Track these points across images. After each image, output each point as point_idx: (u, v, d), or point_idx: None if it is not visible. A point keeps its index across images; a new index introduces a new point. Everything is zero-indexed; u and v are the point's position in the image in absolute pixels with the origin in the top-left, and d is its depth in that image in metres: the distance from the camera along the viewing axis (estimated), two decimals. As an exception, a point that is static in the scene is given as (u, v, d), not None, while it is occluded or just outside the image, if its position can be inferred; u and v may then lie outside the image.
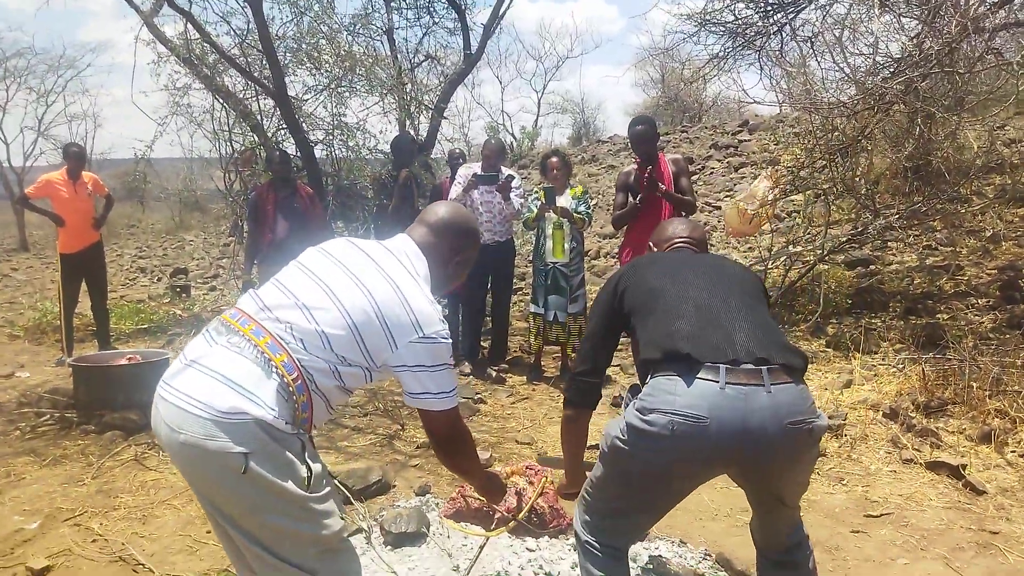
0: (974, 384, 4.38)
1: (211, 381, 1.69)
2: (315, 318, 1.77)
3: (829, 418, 4.32)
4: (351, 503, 3.28)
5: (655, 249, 2.50)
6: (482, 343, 6.24)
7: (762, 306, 2.09)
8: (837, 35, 6.55)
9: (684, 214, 4.83)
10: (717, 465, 1.98)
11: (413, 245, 1.98)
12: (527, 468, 2.98)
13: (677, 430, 1.85)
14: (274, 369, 1.71)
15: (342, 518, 1.82)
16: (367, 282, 1.82)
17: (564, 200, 5.46)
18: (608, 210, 11.62)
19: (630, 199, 5.01)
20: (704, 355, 1.91)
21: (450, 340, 1.87)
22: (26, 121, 26.49)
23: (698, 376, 1.88)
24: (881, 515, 3.33)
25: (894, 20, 6.58)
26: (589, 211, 5.51)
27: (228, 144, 8.27)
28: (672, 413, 1.86)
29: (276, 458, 1.68)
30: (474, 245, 2.12)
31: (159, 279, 12.45)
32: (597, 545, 2.11)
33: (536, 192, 5.62)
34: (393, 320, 1.79)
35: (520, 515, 2.77)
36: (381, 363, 1.82)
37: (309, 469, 1.72)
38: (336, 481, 3.23)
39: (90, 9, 61.41)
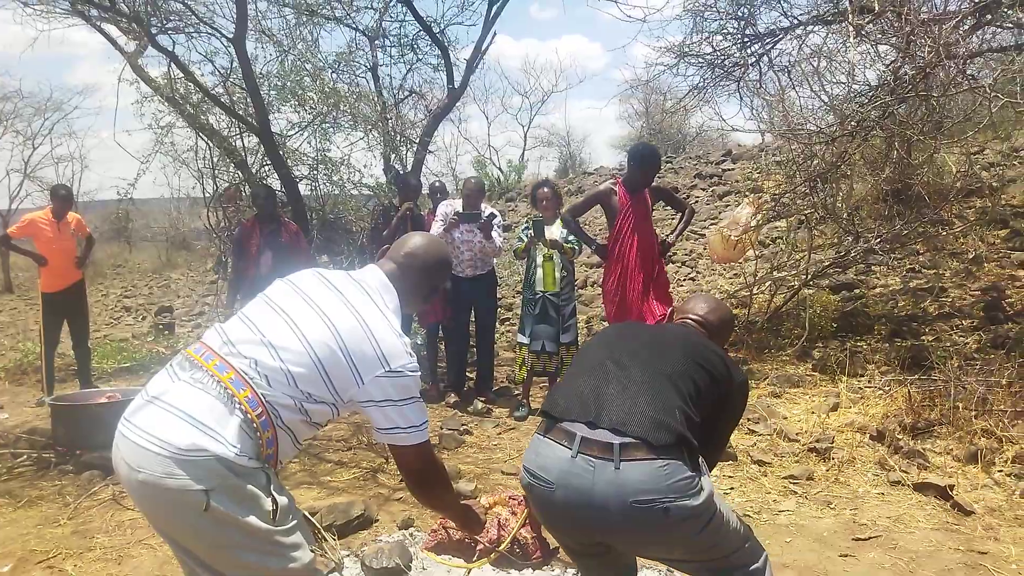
0: (960, 404, 4.37)
1: (172, 418, 1.67)
2: (280, 356, 1.74)
3: (816, 442, 4.30)
4: (325, 538, 3.22)
5: (675, 317, 2.57)
6: (468, 374, 6.21)
7: (677, 385, 2.04)
8: (814, 64, 6.66)
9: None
10: (576, 532, 2.05)
11: (382, 276, 1.96)
12: (510, 498, 2.92)
13: (533, 491, 1.98)
14: (237, 405, 1.68)
15: (312, 550, 1.78)
16: (332, 316, 1.80)
17: (554, 230, 5.45)
18: (596, 236, 11.67)
19: (593, 239, 5.49)
20: (565, 412, 1.99)
21: (418, 373, 1.85)
22: (12, 163, 26.37)
23: (553, 438, 1.97)
24: (869, 538, 3.29)
25: (870, 48, 6.70)
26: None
27: (213, 182, 8.28)
28: (530, 473, 1.97)
29: (239, 493, 1.65)
30: (445, 276, 2.13)
31: (144, 318, 12.36)
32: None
33: (526, 223, 5.62)
34: (358, 354, 1.76)
35: (502, 546, 2.71)
36: (348, 399, 1.79)
37: (275, 502, 1.68)
38: (305, 514, 3.17)
39: (77, 53, 62.14)
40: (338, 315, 1.80)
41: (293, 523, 1.75)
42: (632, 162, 5.15)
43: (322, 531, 3.23)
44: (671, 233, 5.47)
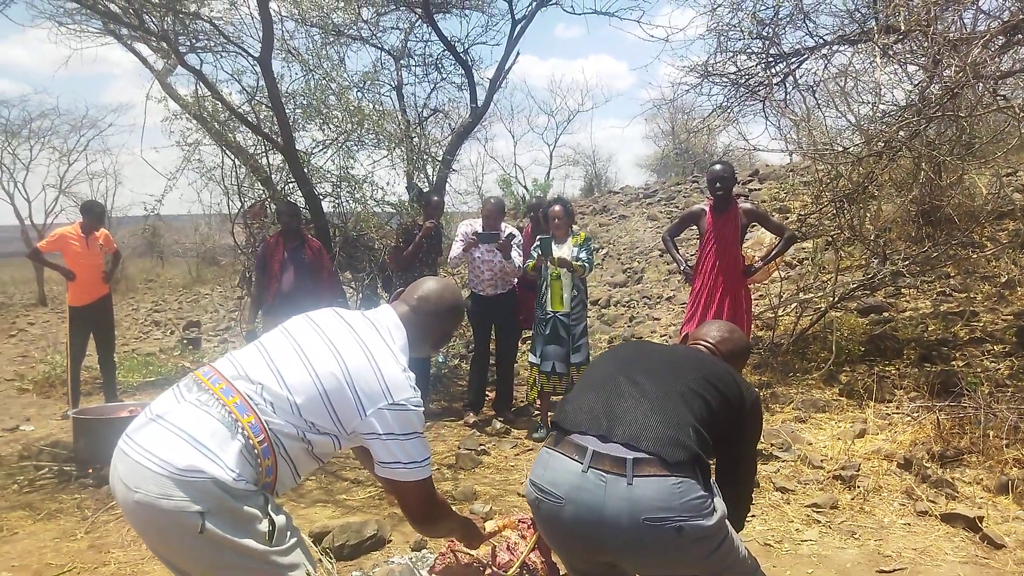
0: (990, 433, 4.25)
1: (173, 437, 1.67)
2: (286, 383, 1.76)
3: (841, 469, 4.19)
4: (321, 562, 3.19)
5: (689, 343, 2.53)
6: (488, 393, 6.17)
7: (690, 404, 1.99)
8: (840, 84, 6.59)
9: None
10: (583, 550, 1.98)
11: (395, 318, 1.99)
12: (519, 522, 2.88)
13: (540, 507, 1.93)
14: (240, 430, 1.69)
15: (309, 574, 1.76)
16: (342, 348, 1.82)
17: (566, 248, 5.39)
18: (619, 259, 11.62)
19: (683, 260, 5.50)
20: (576, 425, 1.96)
21: (421, 408, 1.85)
22: (48, 179, 26.96)
23: (563, 451, 1.93)
24: (894, 571, 3.19)
25: (897, 68, 6.61)
26: (590, 258, 5.42)
27: (239, 198, 8.38)
28: (539, 488, 1.93)
29: (235, 515, 1.64)
30: (457, 321, 2.16)
31: (172, 332, 12.50)
32: None
33: (536, 242, 5.59)
34: (363, 386, 1.77)
35: (511, 571, 2.67)
36: (351, 430, 1.80)
37: (272, 523, 1.67)
38: (305, 536, 3.14)
39: (112, 73, 64.00)
40: (348, 349, 1.83)
41: (292, 542, 1.75)
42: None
43: (320, 555, 3.20)
44: (764, 256, 5.41)
